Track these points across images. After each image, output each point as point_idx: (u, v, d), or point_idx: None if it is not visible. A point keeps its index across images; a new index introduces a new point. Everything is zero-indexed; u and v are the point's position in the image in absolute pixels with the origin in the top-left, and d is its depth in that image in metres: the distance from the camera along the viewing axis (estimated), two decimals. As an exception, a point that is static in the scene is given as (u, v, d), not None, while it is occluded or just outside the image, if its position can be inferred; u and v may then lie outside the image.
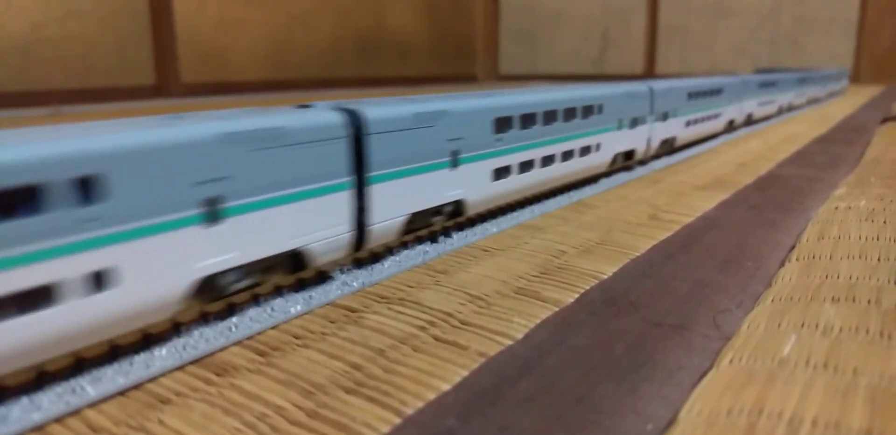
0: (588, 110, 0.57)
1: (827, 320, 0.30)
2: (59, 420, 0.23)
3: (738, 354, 0.27)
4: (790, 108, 1.47)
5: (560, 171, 0.55)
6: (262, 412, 0.23)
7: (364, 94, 1.75)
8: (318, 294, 0.33)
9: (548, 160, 0.52)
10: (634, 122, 0.66)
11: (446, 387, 0.25)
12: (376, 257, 0.39)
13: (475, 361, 0.27)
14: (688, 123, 0.82)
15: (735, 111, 1.04)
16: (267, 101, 1.79)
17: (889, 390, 0.23)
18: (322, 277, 0.35)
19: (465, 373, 0.26)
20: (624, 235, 0.46)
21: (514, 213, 0.51)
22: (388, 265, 0.38)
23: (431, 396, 0.24)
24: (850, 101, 1.84)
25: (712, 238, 0.46)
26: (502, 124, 0.46)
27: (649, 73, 3.23)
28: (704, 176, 0.69)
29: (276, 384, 0.25)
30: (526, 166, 0.49)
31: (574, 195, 0.58)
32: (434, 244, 0.42)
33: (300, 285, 0.34)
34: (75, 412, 0.23)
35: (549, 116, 0.51)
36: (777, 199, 0.58)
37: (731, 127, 1.04)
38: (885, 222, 0.47)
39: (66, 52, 1.84)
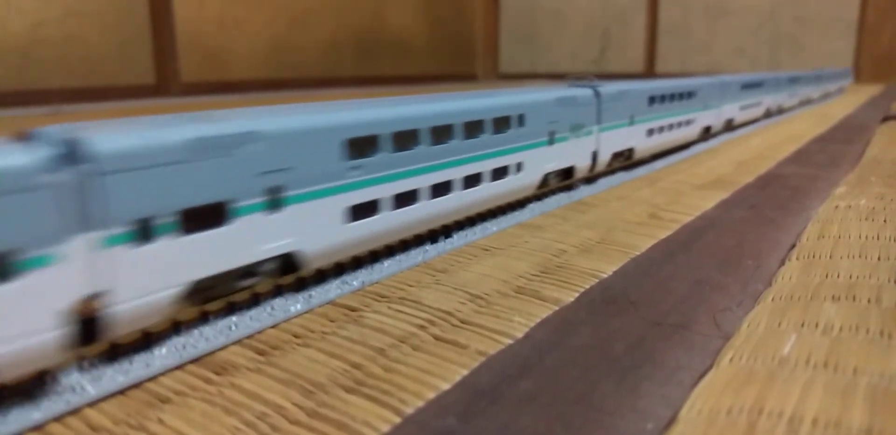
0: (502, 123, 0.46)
1: (827, 319, 0.30)
2: (58, 419, 0.23)
3: (739, 354, 0.27)
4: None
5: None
6: (262, 411, 0.23)
7: (364, 94, 1.75)
8: (318, 293, 0.33)
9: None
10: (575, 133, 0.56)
11: (446, 386, 0.25)
12: (376, 256, 0.39)
13: (475, 360, 0.27)
14: (650, 132, 0.72)
15: (712, 116, 0.92)
16: (267, 100, 1.79)
17: (889, 389, 0.23)
18: (322, 276, 0.35)
19: (465, 372, 0.26)
20: (624, 233, 0.46)
21: (515, 213, 0.51)
22: (388, 264, 0.38)
23: (431, 395, 0.24)
24: (850, 101, 1.84)
25: (712, 237, 0.46)
26: None
27: (650, 72, 3.23)
28: (704, 175, 0.69)
29: (276, 383, 0.25)
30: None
31: (574, 194, 0.58)
32: (434, 243, 0.42)
33: (300, 284, 0.34)
34: (75, 411, 0.23)
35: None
36: (777, 199, 0.58)
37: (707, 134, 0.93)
38: (885, 221, 0.47)
39: (66, 52, 1.84)
